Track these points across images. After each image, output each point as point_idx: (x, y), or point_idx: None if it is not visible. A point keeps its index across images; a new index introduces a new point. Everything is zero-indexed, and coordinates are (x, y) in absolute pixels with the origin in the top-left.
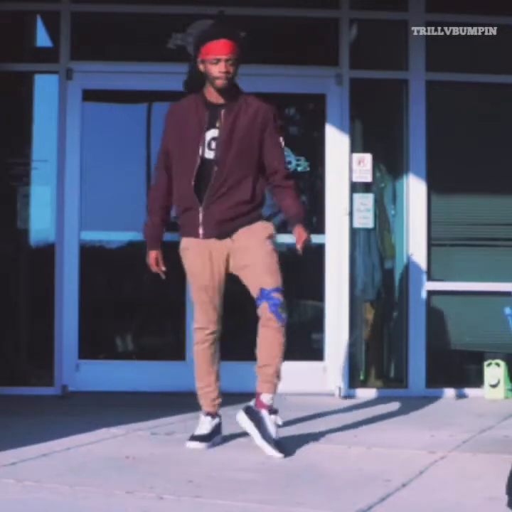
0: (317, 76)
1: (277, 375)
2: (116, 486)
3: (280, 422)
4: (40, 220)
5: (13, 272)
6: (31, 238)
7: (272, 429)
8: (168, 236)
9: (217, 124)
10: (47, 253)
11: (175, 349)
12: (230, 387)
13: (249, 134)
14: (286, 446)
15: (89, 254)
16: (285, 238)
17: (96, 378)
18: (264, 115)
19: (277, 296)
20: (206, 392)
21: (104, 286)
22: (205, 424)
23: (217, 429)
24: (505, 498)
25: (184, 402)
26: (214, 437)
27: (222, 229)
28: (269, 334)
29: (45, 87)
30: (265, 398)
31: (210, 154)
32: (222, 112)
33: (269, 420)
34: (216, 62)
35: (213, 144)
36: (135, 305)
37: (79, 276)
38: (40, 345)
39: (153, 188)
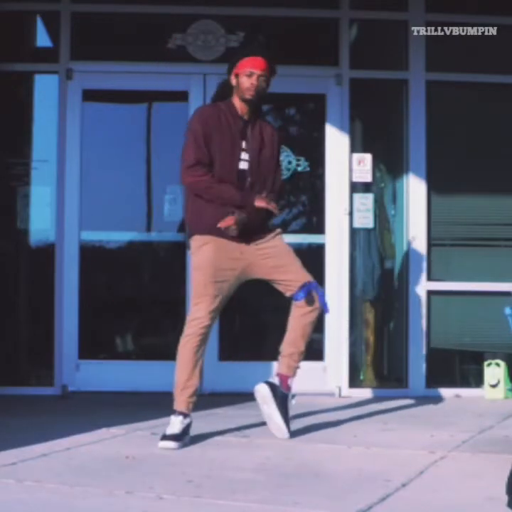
0: (317, 76)
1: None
2: (116, 486)
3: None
4: (40, 220)
5: (13, 271)
6: (31, 238)
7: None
8: (168, 236)
9: (246, 138)
10: (47, 253)
11: (175, 349)
12: (230, 387)
13: (269, 151)
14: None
15: (89, 254)
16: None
17: (96, 378)
18: (278, 138)
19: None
20: (187, 386)
21: (104, 286)
22: (176, 424)
23: (187, 430)
24: (505, 498)
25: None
26: (184, 437)
27: (254, 234)
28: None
29: (45, 87)
30: (291, 381)
31: (241, 164)
32: (249, 126)
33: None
34: (250, 74)
35: (242, 155)
36: (135, 305)
37: (79, 276)
38: (40, 345)
39: (212, 183)
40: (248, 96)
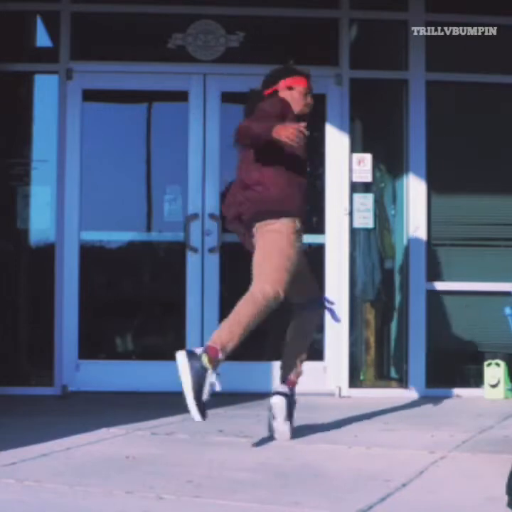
0: (317, 76)
1: None
2: (116, 486)
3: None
4: (40, 220)
5: (13, 271)
6: (31, 238)
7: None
8: (168, 236)
9: None
10: (47, 253)
11: (175, 349)
12: (230, 387)
13: None
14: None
15: (89, 254)
16: None
17: (96, 378)
18: None
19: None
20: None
21: (104, 286)
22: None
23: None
24: (505, 498)
25: (184, 402)
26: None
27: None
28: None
29: (45, 87)
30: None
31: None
32: None
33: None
34: (306, 93)
35: None
36: (135, 305)
37: (79, 276)
38: (40, 345)
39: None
40: (304, 112)
